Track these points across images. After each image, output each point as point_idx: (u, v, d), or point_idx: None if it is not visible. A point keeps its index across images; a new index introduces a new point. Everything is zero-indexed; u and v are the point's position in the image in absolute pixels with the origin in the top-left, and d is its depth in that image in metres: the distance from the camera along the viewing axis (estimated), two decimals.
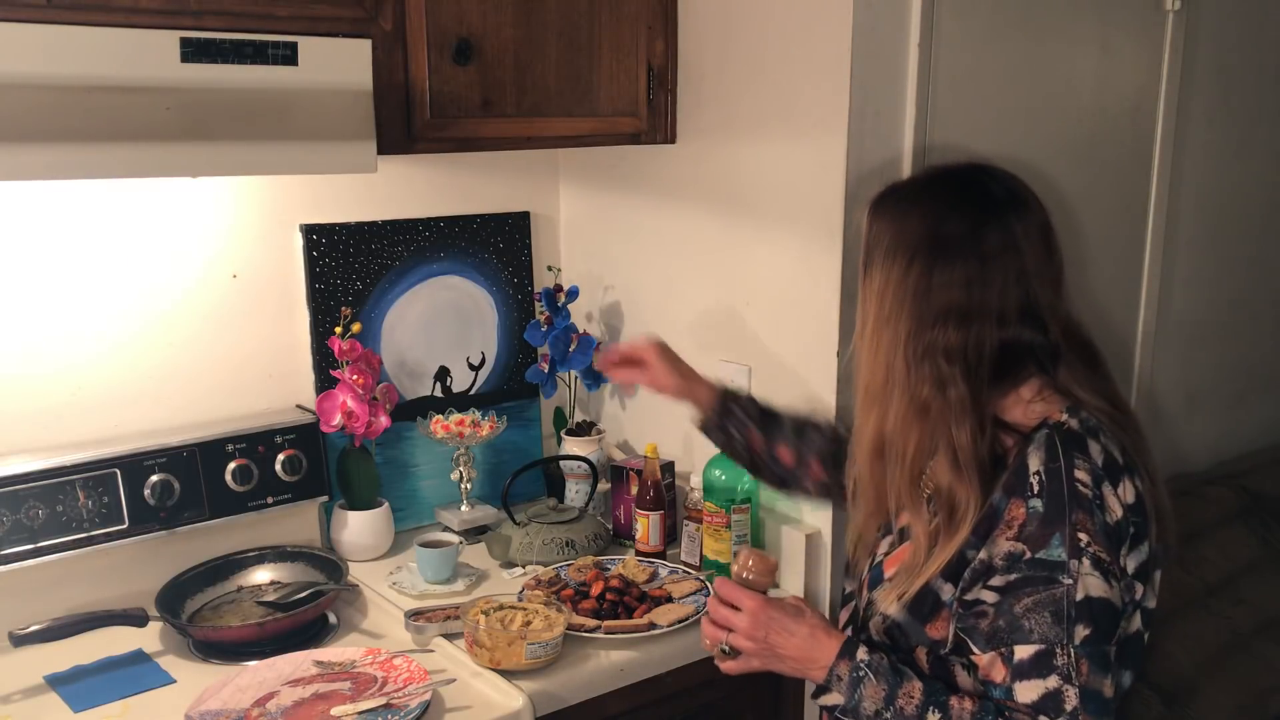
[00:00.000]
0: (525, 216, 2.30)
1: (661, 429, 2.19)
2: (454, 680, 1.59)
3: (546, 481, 2.29)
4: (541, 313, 2.22)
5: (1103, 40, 2.07)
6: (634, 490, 2.05)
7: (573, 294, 2.22)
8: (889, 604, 1.35)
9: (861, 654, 1.32)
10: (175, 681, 1.63)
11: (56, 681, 1.63)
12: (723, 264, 2.01)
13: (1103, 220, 2.17)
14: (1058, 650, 1.21)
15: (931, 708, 1.27)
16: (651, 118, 2.00)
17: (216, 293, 1.96)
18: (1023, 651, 1.23)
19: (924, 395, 1.29)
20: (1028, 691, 1.22)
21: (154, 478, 1.83)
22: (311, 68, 1.57)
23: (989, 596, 1.26)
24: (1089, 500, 1.24)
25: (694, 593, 1.84)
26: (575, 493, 2.17)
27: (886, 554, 1.42)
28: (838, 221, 1.76)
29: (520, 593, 1.82)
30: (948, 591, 1.31)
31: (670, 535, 2.04)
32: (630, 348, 1.79)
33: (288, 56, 1.55)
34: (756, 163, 1.90)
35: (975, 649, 1.27)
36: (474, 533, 2.11)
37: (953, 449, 1.29)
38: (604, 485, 2.19)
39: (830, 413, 1.80)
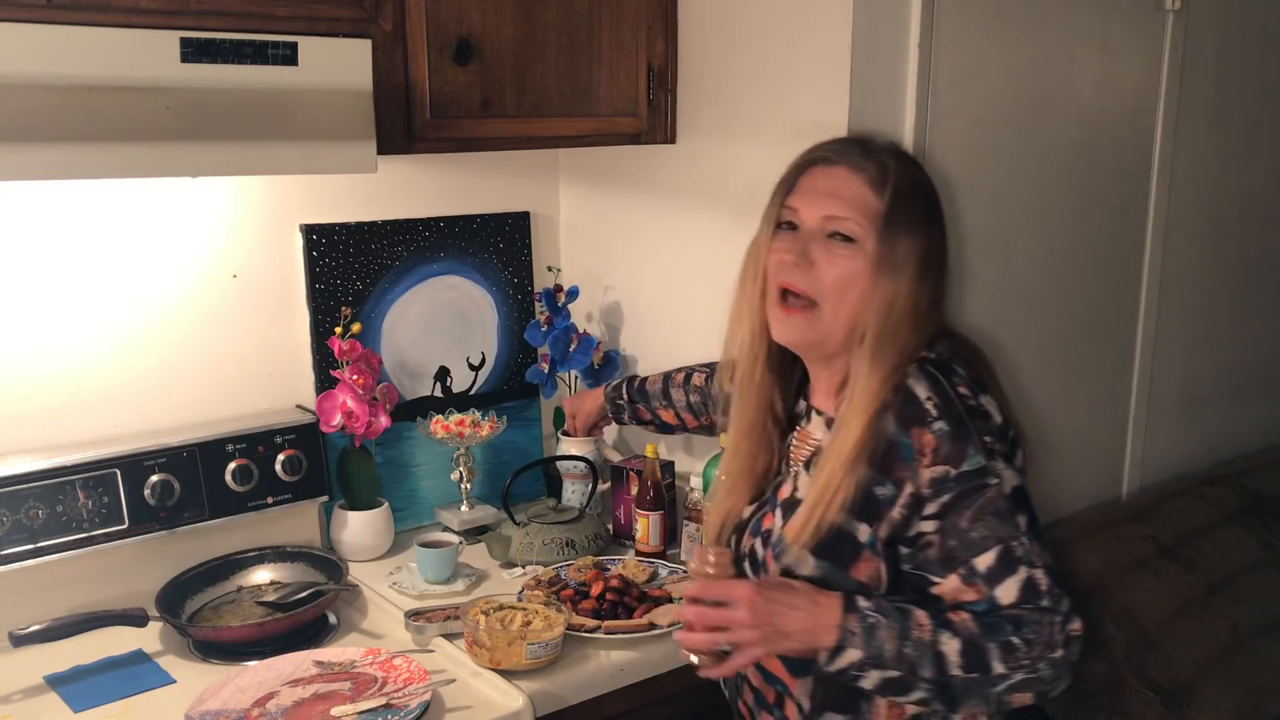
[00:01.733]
0: (525, 216, 2.30)
1: None
2: (454, 680, 1.59)
3: (546, 481, 2.29)
4: (541, 313, 2.22)
5: (1102, 40, 2.07)
6: (634, 490, 2.05)
7: (573, 294, 2.22)
8: (801, 562, 1.38)
9: (863, 602, 1.32)
10: (175, 681, 1.63)
11: (56, 681, 1.63)
12: (723, 263, 2.00)
13: (1103, 220, 2.17)
14: (1014, 544, 1.30)
15: (941, 630, 1.29)
16: (651, 118, 2.00)
17: (216, 293, 1.96)
18: (984, 560, 1.30)
19: (911, 348, 1.39)
20: (1007, 592, 1.30)
21: (154, 478, 1.83)
22: (311, 68, 1.57)
23: (928, 526, 1.33)
24: (977, 409, 1.35)
25: None
26: (572, 493, 2.17)
27: (781, 525, 1.44)
28: None
29: (520, 593, 1.82)
30: (864, 532, 1.35)
31: (670, 535, 2.04)
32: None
33: (288, 56, 1.55)
34: (756, 163, 1.90)
35: (935, 578, 1.33)
36: (474, 533, 2.11)
37: (891, 371, 1.38)
38: (603, 485, 2.19)
39: None
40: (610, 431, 2.34)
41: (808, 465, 1.46)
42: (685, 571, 1.93)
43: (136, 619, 1.71)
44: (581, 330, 2.22)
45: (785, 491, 1.47)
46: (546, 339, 2.20)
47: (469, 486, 2.13)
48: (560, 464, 2.18)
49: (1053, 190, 2.04)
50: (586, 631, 1.71)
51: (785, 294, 1.41)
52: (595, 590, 1.80)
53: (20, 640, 1.63)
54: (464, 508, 2.14)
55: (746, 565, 1.48)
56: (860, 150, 1.41)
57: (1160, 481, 2.39)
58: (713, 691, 1.77)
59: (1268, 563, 2.24)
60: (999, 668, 1.28)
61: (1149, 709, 1.93)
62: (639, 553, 2.02)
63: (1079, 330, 2.19)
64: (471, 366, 2.27)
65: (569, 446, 2.20)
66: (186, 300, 1.93)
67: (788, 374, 1.52)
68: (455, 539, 1.97)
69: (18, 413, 1.80)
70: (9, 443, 1.79)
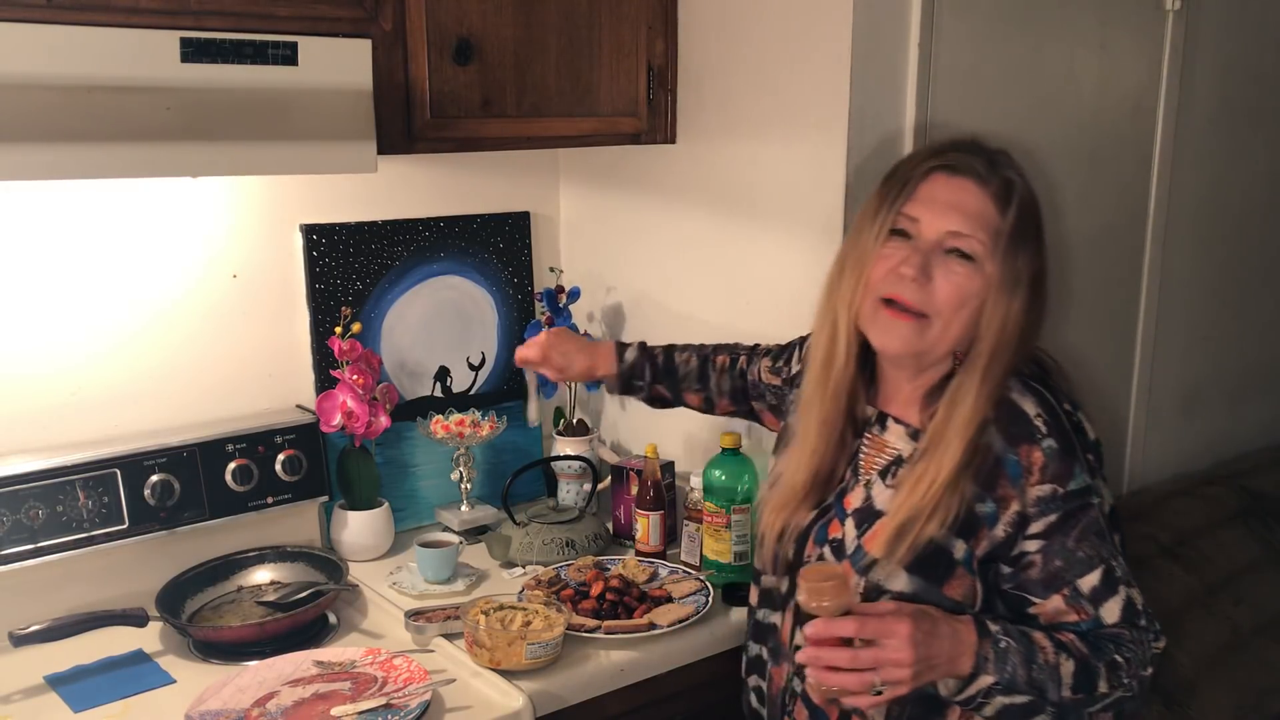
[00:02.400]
0: (525, 216, 2.30)
1: (661, 429, 2.19)
2: (454, 680, 1.58)
3: (546, 482, 2.29)
4: (543, 313, 2.22)
5: (1103, 40, 2.07)
6: (634, 490, 2.05)
7: (574, 295, 2.22)
8: (893, 577, 1.35)
9: (992, 625, 1.30)
10: (175, 681, 1.63)
11: (56, 681, 1.63)
12: (723, 264, 2.01)
13: (1103, 219, 2.17)
14: (1113, 563, 1.32)
15: (1059, 652, 1.30)
16: (651, 118, 2.00)
17: (216, 293, 1.96)
18: (1088, 581, 1.31)
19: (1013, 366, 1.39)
20: (1110, 612, 1.31)
21: (154, 478, 1.83)
22: (311, 68, 1.57)
23: (1031, 545, 1.32)
24: (1079, 425, 1.36)
25: (694, 593, 1.84)
26: (567, 492, 2.18)
27: (859, 536, 1.41)
28: (838, 221, 1.76)
29: (520, 593, 1.82)
30: (960, 549, 1.33)
31: (670, 535, 2.04)
32: (521, 356, 1.83)
33: (288, 56, 1.55)
34: (756, 163, 1.90)
35: (1035, 598, 1.32)
36: (474, 533, 2.11)
37: (994, 390, 1.37)
38: (602, 485, 2.19)
39: None
40: (609, 433, 2.34)
41: (884, 475, 1.43)
42: (688, 572, 1.92)
43: (136, 619, 1.71)
44: (582, 330, 2.22)
45: (854, 500, 1.44)
46: None
47: (469, 486, 2.13)
48: (557, 464, 2.18)
49: (1052, 190, 2.04)
50: (586, 631, 1.71)
51: (890, 300, 1.38)
52: (595, 590, 1.80)
53: (20, 640, 1.63)
54: (464, 508, 2.14)
55: None
56: (984, 161, 1.37)
57: (1160, 481, 2.39)
58: (713, 691, 1.77)
59: (1268, 563, 2.24)
60: (1103, 687, 1.29)
61: (1149, 709, 1.93)
62: (639, 553, 2.02)
63: (1079, 330, 2.18)
64: (471, 366, 2.27)
65: (565, 446, 2.20)
66: (186, 300, 1.93)
67: (868, 377, 1.49)
68: (455, 539, 1.97)
69: (18, 413, 1.80)
70: (9, 443, 1.79)
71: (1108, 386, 2.30)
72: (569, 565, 1.93)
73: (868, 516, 1.42)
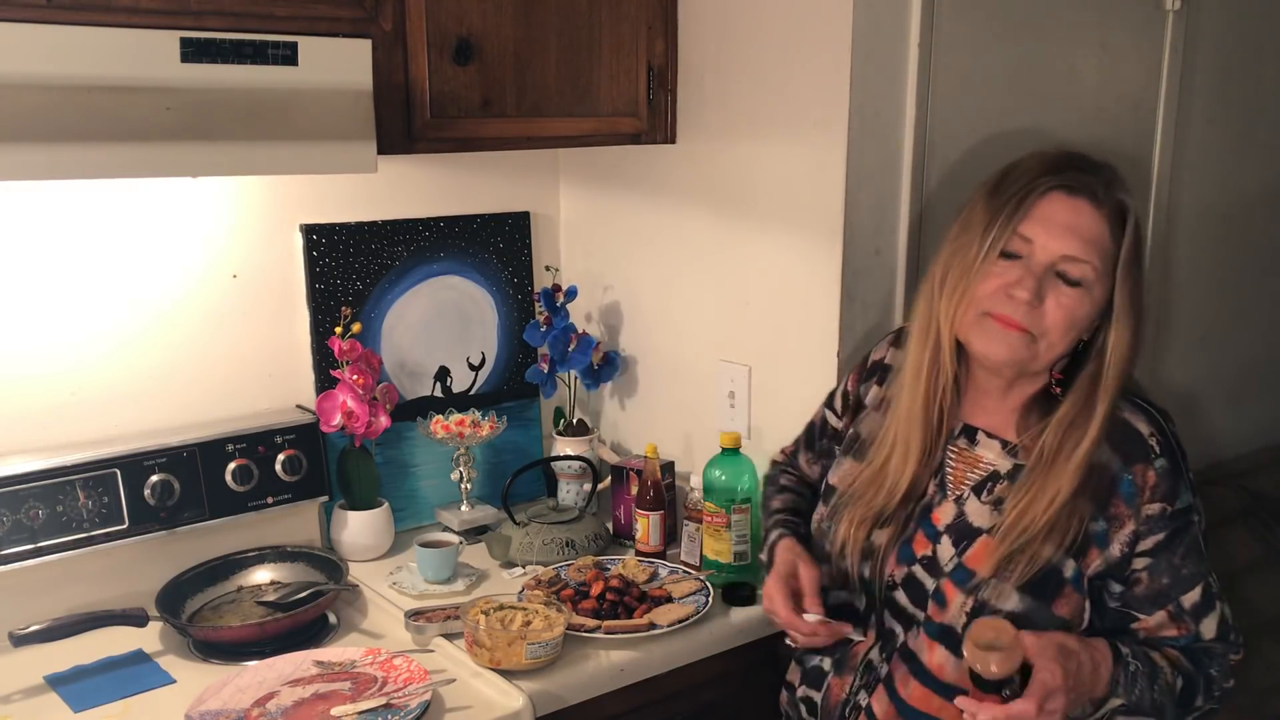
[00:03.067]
0: (525, 216, 2.30)
1: (661, 429, 2.19)
2: (454, 680, 1.59)
3: (546, 482, 2.29)
4: (541, 313, 2.22)
5: (1103, 40, 2.06)
6: (634, 490, 2.05)
7: (571, 294, 2.22)
8: (1004, 597, 1.33)
9: (1123, 648, 1.32)
10: (175, 681, 1.63)
11: (56, 681, 1.63)
12: (723, 264, 2.01)
13: None
14: (1210, 580, 1.36)
15: (1175, 672, 1.33)
16: (651, 118, 2.00)
17: (216, 293, 1.96)
18: (1190, 597, 1.34)
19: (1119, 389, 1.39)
20: (1209, 628, 1.35)
21: (154, 478, 1.83)
22: (311, 68, 1.57)
23: (1140, 563, 1.34)
24: (1183, 447, 1.38)
25: (694, 593, 1.84)
26: (567, 492, 2.18)
27: (958, 554, 1.39)
28: (838, 221, 1.76)
29: (520, 593, 1.82)
30: (1070, 568, 1.33)
31: (670, 535, 2.04)
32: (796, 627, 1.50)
33: (288, 56, 1.55)
34: (756, 163, 1.90)
35: (1140, 615, 1.35)
36: (474, 533, 2.11)
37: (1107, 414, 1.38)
38: (602, 485, 2.19)
39: None
40: (609, 433, 2.34)
41: (978, 490, 1.41)
42: (688, 571, 1.92)
43: (136, 619, 1.71)
44: (581, 330, 2.22)
45: (944, 517, 1.42)
46: (546, 339, 2.20)
47: (469, 486, 2.13)
48: (557, 464, 2.18)
49: None
50: (586, 631, 1.71)
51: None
52: (595, 590, 1.80)
53: (20, 640, 1.63)
54: (464, 508, 2.14)
55: (900, 595, 1.42)
56: (1100, 181, 1.35)
57: None
58: (713, 691, 1.77)
59: (1268, 563, 2.24)
60: (1199, 701, 1.34)
61: None
62: (639, 553, 2.02)
63: None
64: (471, 366, 2.27)
65: (565, 446, 2.20)
66: (186, 300, 1.93)
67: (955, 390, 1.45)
68: (455, 539, 1.97)
69: (18, 413, 1.80)
70: (9, 443, 1.79)
71: None
72: (569, 565, 1.93)
73: (966, 534, 1.40)
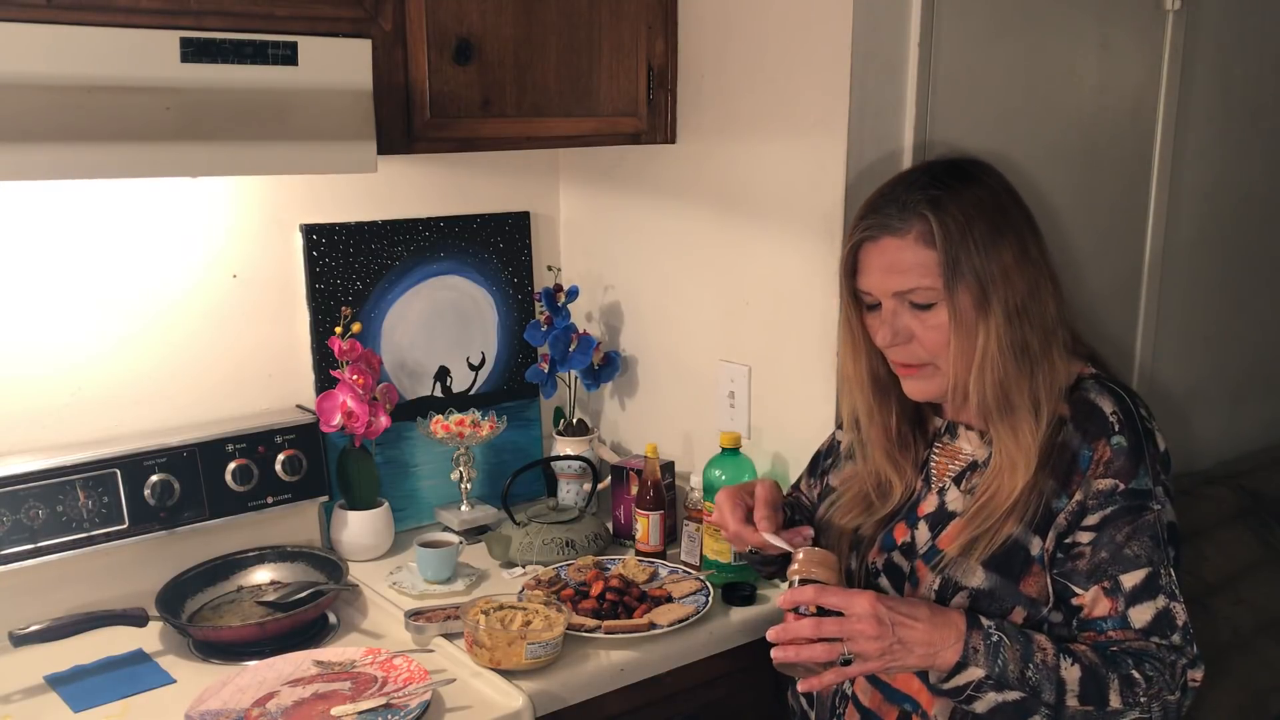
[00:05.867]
0: (525, 216, 2.30)
1: (661, 429, 2.19)
2: (454, 680, 1.59)
3: (546, 482, 2.29)
4: (541, 313, 2.22)
5: (1103, 40, 2.06)
6: (634, 490, 2.05)
7: (572, 294, 2.22)
8: (970, 574, 1.35)
9: (985, 620, 1.31)
10: (175, 681, 1.63)
11: (56, 681, 1.63)
12: (723, 264, 2.01)
13: (1103, 220, 2.17)
14: (1161, 571, 1.32)
15: (1063, 656, 1.29)
16: (651, 118, 2.00)
17: (216, 293, 1.96)
18: (1130, 578, 1.31)
19: (1053, 365, 1.37)
20: (1142, 615, 1.31)
21: (154, 478, 1.83)
22: (311, 68, 1.57)
23: (1084, 537, 1.33)
24: (1153, 434, 1.37)
25: (694, 593, 1.84)
26: (567, 492, 2.18)
27: (933, 537, 1.42)
28: (838, 221, 1.76)
29: (520, 593, 1.82)
30: (1036, 545, 1.34)
31: (670, 535, 2.04)
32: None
33: (288, 56, 1.55)
34: (756, 163, 1.90)
35: (1077, 589, 1.33)
36: (474, 533, 2.11)
37: (1039, 398, 1.36)
38: (602, 485, 2.19)
39: (829, 412, 1.80)
40: (609, 433, 2.35)
41: (958, 480, 1.45)
42: (688, 571, 1.93)
43: (136, 619, 1.71)
44: (581, 330, 2.23)
45: (927, 508, 1.46)
46: (546, 339, 2.20)
47: (469, 486, 2.13)
48: (557, 464, 2.18)
49: (1052, 190, 2.04)
50: (586, 631, 1.71)
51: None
52: (595, 590, 1.80)
53: (20, 640, 1.63)
54: (464, 508, 2.14)
55: (883, 580, 1.46)
56: (895, 209, 1.36)
57: None
58: (713, 691, 1.77)
59: (1268, 563, 2.24)
60: (1115, 701, 1.28)
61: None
62: (639, 553, 2.02)
63: (1079, 330, 2.18)
64: (471, 366, 2.27)
65: (565, 446, 2.20)
66: (186, 300, 1.93)
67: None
68: (455, 539, 1.97)
69: (18, 413, 1.80)
70: (9, 443, 1.79)
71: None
72: (569, 565, 1.93)
73: (942, 519, 1.43)
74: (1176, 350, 2.39)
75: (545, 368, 2.23)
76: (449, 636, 1.70)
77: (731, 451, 1.90)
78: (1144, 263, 2.28)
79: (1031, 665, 1.28)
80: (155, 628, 1.75)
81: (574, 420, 2.27)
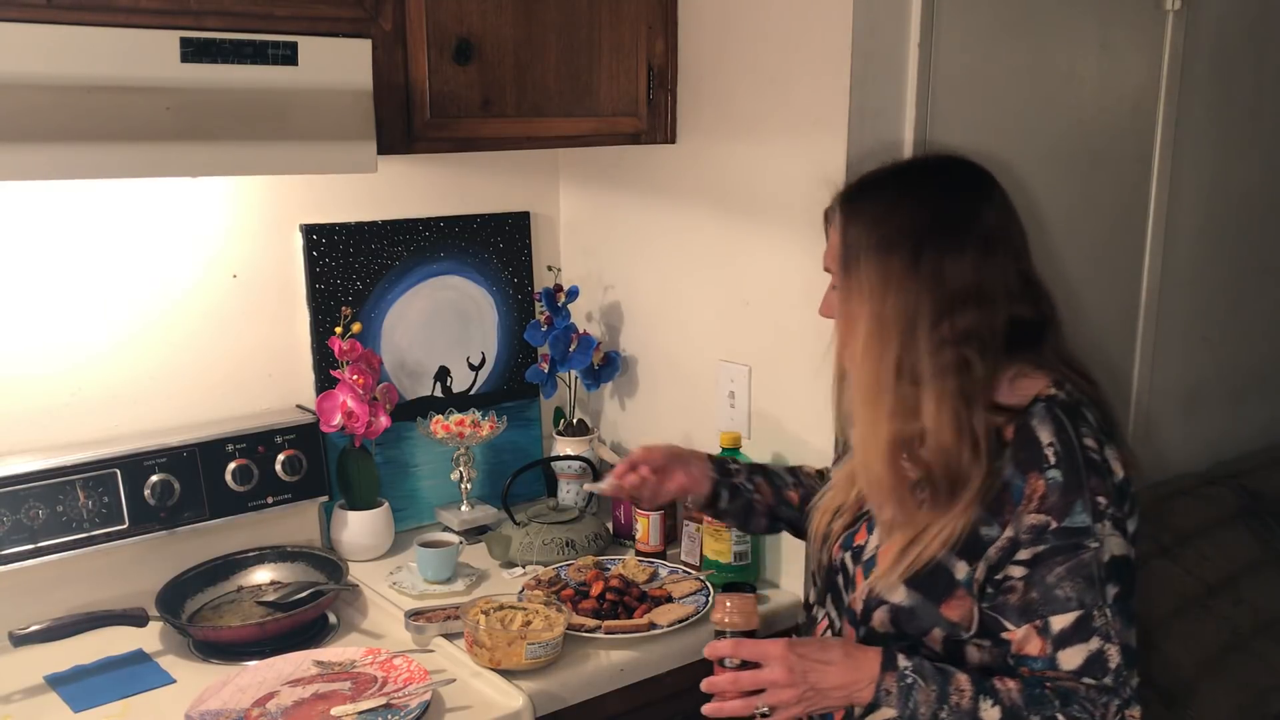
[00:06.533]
0: (525, 216, 2.30)
1: (661, 429, 2.19)
2: (454, 680, 1.59)
3: (546, 482, 2.29)
4: (541, 313, 2.22)
5: (1103, 40, 2.06)
6: None
7: (573, 294, 2.22)
8: (892, 590, 1.35)
9: (903, 661, 1.30)
10: (175, 681, 1.63)
11: (56, 681, 1.63)
12: (722, 264, 2.01)
13: (1103, 220, 2.17)
14: (1095, 613, 1.26)
15: (983, 697, 1.28)
16: (651, 118, 2.00)
17: (216, 293, 1.96)
18: (1060, 621, 1.27)
19: (950, 382, 1.31)
20: (1071, 658, 1.27)
21: (154, 478, 1.83)
22: (311, 68, 1.57)
23: (1016, 571, 1.29)
24: (1100, 465, 1.29)
25: (694, 593, 1.84)
26: (567, 492, 2.18)
27: (879, 547, 1.42)
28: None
29: (520, 593, 1.82)
30: (962, 570, 1.32)
31: (670, 535, 2.04)
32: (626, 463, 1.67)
33: (288, 56, 1.55)
34: (757, 162, 1.90)
35: (1008, 625, 1.30)
36: (474, 533, 2.11)
37: (971, 429, 1.31)
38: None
39: (829, 412, 1.80)
40: (609, 433, 2.34)
41: (915, 488, 1.41)
42: (688, 571, 1.93)
43: (136, 619, 1.71)
44: (581, 330, 2.22)
45: (885, 514, 1.43)
46: (546, 339, 2.20)
47: (469, 486, 2.13)
48: (556, 464, 2.18)
49: (1052, 190, 2.04)
50: (586, 631, 1.71)
51: None
52: (595, 590, 1.80)
53: (20, 640, 1.63)
54: (464, 508, 2.14)
55: (839, 579, 1.46)
56: (838, 200, 1.43)
57: (1160, 481, 2.39)
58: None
59: (1268, 563, 2.24)
60: None
61: (1149, 709, 1.93)
62: (639, 553, 2.02)
63: (1078, 330, 2.18)
64: (471, 366, 2.27)
65: (565, 446, 2.20)
66: (186, 300, 1.93)
67: None
68: (455, 539, 1.97)
69: (18, 413, 1.80)
70: (9, 443, 1.79)
71: (1107, 387, 2.29)
72: (569, 565, 1.93)
73: (892, 529, 1.42)
74: (1176, 350, 2.39)
75: (545, 368, 2.23)
76: (449, 636, 1.70)
77: (731, 451, 1.90)
78: (1144, 262, 2.28)
79: (946, 707, 1.27)
80: (155, 628, 1.75)
81: (574, 420, 2.26)
